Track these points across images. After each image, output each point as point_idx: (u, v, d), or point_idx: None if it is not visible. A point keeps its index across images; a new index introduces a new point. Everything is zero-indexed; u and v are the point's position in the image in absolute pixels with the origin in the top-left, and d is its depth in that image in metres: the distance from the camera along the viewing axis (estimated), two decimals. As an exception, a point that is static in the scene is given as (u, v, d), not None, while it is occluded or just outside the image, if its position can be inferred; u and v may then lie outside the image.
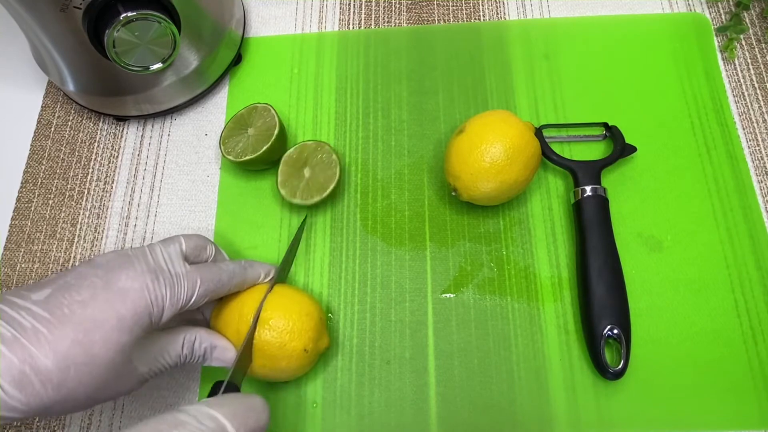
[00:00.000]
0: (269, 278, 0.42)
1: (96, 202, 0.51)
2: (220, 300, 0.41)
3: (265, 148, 0.47)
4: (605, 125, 0.50)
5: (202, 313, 0.43)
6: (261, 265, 0.42)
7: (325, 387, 0.43)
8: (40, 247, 0.49)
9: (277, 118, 0.48)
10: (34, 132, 0.54)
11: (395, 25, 0.57)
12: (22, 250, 0.49)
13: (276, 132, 0.47)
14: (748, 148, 0.50)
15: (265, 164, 0.48)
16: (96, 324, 0.32)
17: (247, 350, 0.38)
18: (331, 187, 0.46)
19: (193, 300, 0.36)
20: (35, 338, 0.30)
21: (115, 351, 0.32)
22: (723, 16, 0.56)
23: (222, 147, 0.48)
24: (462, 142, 0.44)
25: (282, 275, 0.43)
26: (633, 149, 0.48)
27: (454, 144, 0.45)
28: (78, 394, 0.31)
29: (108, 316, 0.32)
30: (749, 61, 0.54)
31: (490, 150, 0.43)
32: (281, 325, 0.38)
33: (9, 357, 0.29)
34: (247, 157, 0.47)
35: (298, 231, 0.46)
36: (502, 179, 0.43)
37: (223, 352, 0.38)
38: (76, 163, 0.52)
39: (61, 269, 0.48)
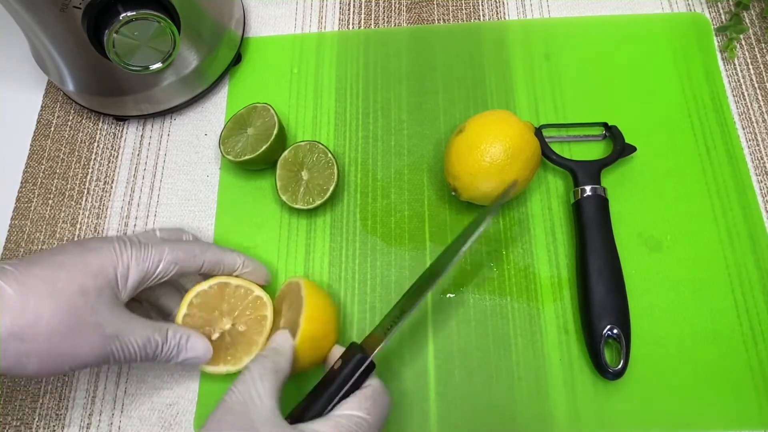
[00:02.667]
0: (247, 269, 0.42)
1: (96, 201, 0.51)
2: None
3: (264, 147, 0.47)
4: (605, 125, 0.50)
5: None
6: (238, 254, 0.42)
7: (324, 387, 0.43)
8: (39, 247, 0.49)
9: (276, 118, 0.48)
10: (34, 132, 0.54)
11: (395, 25, 0.57)
12: (22, 250, 0.49)
13: (275, 132, 0.47)
14: (748, 148, 0.50)
15: (264, 164, 0.48)
16: (62, 266, 0.34)
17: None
18: (331, 188, 0.46)
19: (160, 265, 0.37)
20: (6, 272, 0.32)
21: (77, 292, 0.33)
22: (723, 16, 0.56)
23: (221, 147, 0.48)
24: (462, 142, 0.44)
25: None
26: (633, 149, 0.48)
27: (454, 144, 0.45)
28: (40, 332, 0.32)
29: (74, 262, 0.34)
30: (749, 61, 0.54)
31: (490, 150, 0.43)
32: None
33: None
34: (247, 157, 0.47)
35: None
36: (501, 179, 0.43)
37: (197, 341, 0.38)
38: (75, 163, 0.52)
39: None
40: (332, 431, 0.33)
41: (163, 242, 0.38)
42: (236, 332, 0.40)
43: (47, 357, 0.32)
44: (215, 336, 0.40)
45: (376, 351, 0.37)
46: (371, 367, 0.37)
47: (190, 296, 0.40)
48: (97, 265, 0.34)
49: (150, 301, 0.42)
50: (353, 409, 0.34)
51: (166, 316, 0.42)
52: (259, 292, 0.41)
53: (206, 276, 0.41)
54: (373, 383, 0.36)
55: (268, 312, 0.41)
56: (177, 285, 0.43)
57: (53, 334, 0.32)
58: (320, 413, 0.35)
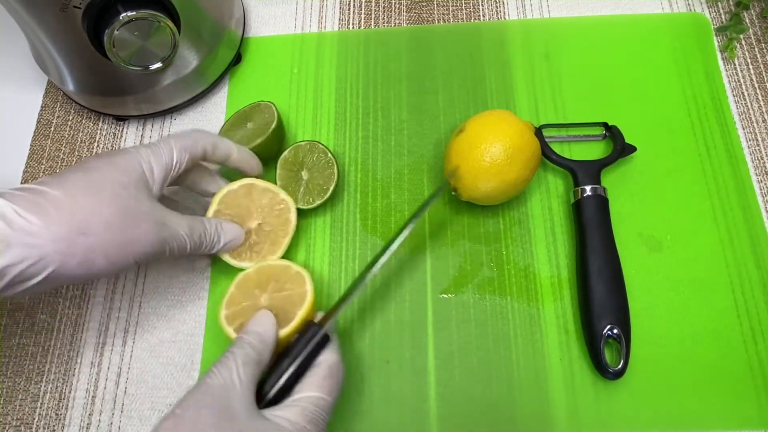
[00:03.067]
0: (241, 156, 0.44)
1: (96, 201, 0.51)
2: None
3: (259, 140, 0.47)
4: (605, 125, 0.50)
5: None
6: (233, 143, 0.44)
7: (324, 387, 0.43)
8: (39, 246, 0.49)
9: (276, 114, 0.48)
10: (34, 132, 0.54)
11: (395, 25, 0.57)
12: (22, 249, 0.49)
13: (273, 126, 0.47)
14: (748, 148, 0.50)
15: (261, 157, 0.48)
16: (94, 170, 0.36)
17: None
18: (331, 187, 0.46)
19: (174, 155, 0.39)
20: (44, 182, 0.34)
21: (118, 185, 0.36)
22: (723, 16, 0.56)
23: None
24: (462, 142, 0.44)
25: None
26: (633, 149, 0.48)
27: (454, 143, 0.45)
28: (99, 223, 0.34)
29: (103, 165, 0.36)
30: (749, 60, 0.54)
31: (490, 149, 0.43)
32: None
33: (21, 195, 0.33)
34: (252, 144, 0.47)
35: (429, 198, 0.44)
36: (501, 179, 0.43)
37: (230, 226, 0.42)
38: (75, 163, 0.52)
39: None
40: (299, 418, 0.34)
41: (168, 137, 0.40)
42: (262, 231, 0.44)
43: (111, 248, 0.35)
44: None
45: (328, 323, 0.38)
46: (326, 339, 0.37)
47: (219, 195, 0.44)
48: (125, 164, 0.37)
49: (190, 187, 0.45)
50: (314, 390, 0.35)
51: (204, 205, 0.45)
52: (284, 195, 0.45)
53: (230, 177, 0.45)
54: (329, 359, 0.37)
55: (292, 216, 0.45)
56: (208, 170, 0.45)
57: (110, 224, 0.34)
58: (281, 389, 0.35)
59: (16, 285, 0.32)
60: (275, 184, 0.47)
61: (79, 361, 0.45)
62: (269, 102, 0.49)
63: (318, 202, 0.46)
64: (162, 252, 0.37)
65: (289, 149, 0.48)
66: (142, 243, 0.36)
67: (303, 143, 0.48)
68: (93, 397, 0.44)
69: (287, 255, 0.47)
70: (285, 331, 0.39)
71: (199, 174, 0.45)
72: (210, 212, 0.43)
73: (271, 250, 0.44)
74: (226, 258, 0.44)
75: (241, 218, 0.44)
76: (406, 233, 0.41)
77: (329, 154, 0.47)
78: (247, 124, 0.49)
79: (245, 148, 0.45)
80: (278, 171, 0.47)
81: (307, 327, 0.38)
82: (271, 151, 0.48)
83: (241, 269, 0.43)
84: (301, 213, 0.49)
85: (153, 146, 0.39)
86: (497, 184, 0.43)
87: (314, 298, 0.41)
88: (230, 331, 0.40)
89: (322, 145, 0.48)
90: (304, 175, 0.47)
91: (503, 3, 0.58)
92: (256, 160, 0.45)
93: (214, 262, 0.48)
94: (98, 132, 0.54)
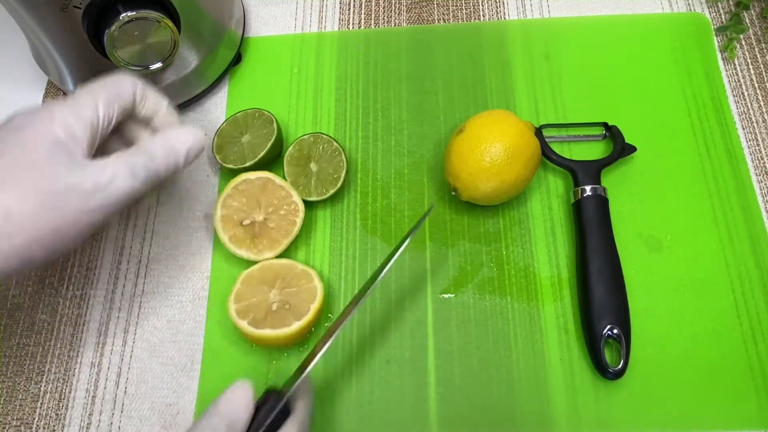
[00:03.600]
0: (169, 118, 0.39)
1: (96, 201, 0.51)
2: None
3: (261, 154, 0.47)
4: (605, 125, 0.50)
5: None
6: (165, 100, 0.39)
7: (324, 387, 0.43)
8: (39, 246, 0.49)
9: (275, 128, 0.48)
10: (34, 132, 0.54)
11: (395, 25, 0.57)
12: (22, 249, 0.49)
13: (274, 136, 0.48)
14: (748, 148, 0.50)
15: (261, 163, 0.48)
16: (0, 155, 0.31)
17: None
18: (342, 174, 0.47)
19: (100, 108, 0.34)
20: None
21: (27, 168, 0.31)
22: (723, 16, 0.56)
23: (216, 155, 0.48)
24: (462, 142, 0.44)
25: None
26: (633, 149, 0.48)
27: (454, 144, 0.45)
28: (12, 226, 0.30)
29: (10, 147, 0.32)
30: (749, 61, 0.54)
31: (490, 149, 0.43)
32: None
33: None
34: (248, 164, 0.47)
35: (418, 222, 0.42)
36: (502, 179, 0.43)
37: (180, 134, 0.36)
38: None
39: (60, 269, 0.48)
40: None
41: (88, 87, 0.34)
42: (265, 226, 0.45)
43: (44, 239, 0.31)
44: (246, 222, 0.44)
45: (292, 389, 0.34)
46: (287, 413, 0.34)
47: (235, 181, 0.45)
48: (34, 139, 0.32)
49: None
50: None
51: None
52: (296, 198, 0.45)
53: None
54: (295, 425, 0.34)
55: (298, 219, 0.45)
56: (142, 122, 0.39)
57: (34, 217, 0.30)
58: None
59: None
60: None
61: (79, 361, 0.45)
62: (267, 112, 0.49)
63: (332, 191, 0.47)
64: (110, 215, 0.33)
65: (293, 145, 0.48)
66: (79, 221, 0.32)
67: (306, 137, 0.48)
68: (93, 397, 0.44)
69: (286, 254, 0.47)
70: (300, 324, 0.41)
71: (134, 128, 0.38)
72: (222, 195, 0.45)
73: (269, 246, 0.45)
74: (224, 240, 0.44)
75: (250, 208, 0.45)
76: (389, 266, 0.38)
77: (335, 143, 0.48)
78: (243, 137, 0.49)
79: (172, 108, 0.39)
80: (286, 168, 0.47)
81: (267, 396, 0.35)
82: (271, 155, 0.48)
83: (239, 257, 0.45)
84: (305, 209, 0.49)
85: (71, 102, 0.33)
86: (497, 184, 0.43)
87: (325, 293, 0.43)
88: (244, 325, 0.41)
89: (326, 135, 0.48)
90: (313, 167, 0.48)
91: (503, 3, 0.58)
92: (196, 133, 0.38)
93: (214, 262, 0.48)
94: (98, 132, 0.54)
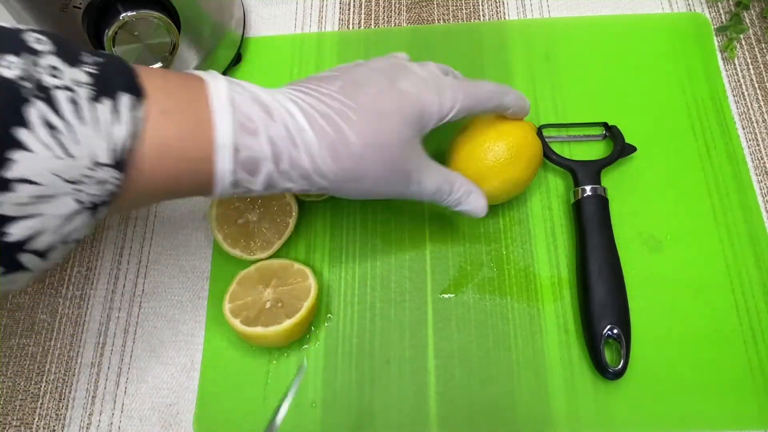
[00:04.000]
0: (513, 109, 0.42)
1: (96, 202, 0.51)
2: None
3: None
4: (605, 125, 0.50)
5: None
6: (514, 92, 0.42)
7: (324, 387, 0.43)
8: (39, 247, 0.49)
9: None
10: (34, 132, 0.54)
11: (395, 25, 0.57)
12: (22, 250, 0.49)
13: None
14: (748, 148, 0.50)
15: None
16: (386, 115, 0.35)
17: None
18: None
19: (453, 111, 0.38)
20: (345, 118, 0.34)
21: (398, 141, 0.35)
22: (723, 16, 0.56)
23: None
24: (465, 140, 0.44)
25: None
26: (633, 149, 0.48)
27: (457, 142, 0.45)
28: (370, 173, 0.35)
29: (394, 111, 0.35)
30: (749, 61, 0.54)
31: (494, 148, 0.43)
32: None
33: (326, 130, 0.33)
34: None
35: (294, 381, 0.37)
36: (504, 178, 0.43)
37: (477, 199, 0.41)
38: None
39: (60, 269, 0.48)
40: None
41: (458, 86, 0.38)
42: (259, 227, 0.45)
43: (368, 189, 0.36)
44: (241, 221, 0.45)
45: None
46: None
47: None
48: (412, 115, 0.36)
49: None
50: None
51: None
52: (289, 198, 0.46)
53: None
54: None
55: (291, 220, 0.46)
56: None
57: (379, 176, 0.35)
58: None
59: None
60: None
61: (79, 361, 0.45)
62: None
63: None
64: (400, 198, 0.38)
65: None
66: (388, 194, 0.37)
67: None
68: (93, 397, 0.44)
69: (285, 254, 0.47)
70: (292, 321, 0.41)
71: None
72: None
73: (263, 246, 0.45)
74: (219, 239, 0.45)
75: (245, 207, 0.46)
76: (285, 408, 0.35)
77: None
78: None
79: (520, 93, 0.43)
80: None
81: None
82: None
83: (235, 257, 0.45)
84: (302, 211, 0.49)
85: (440, 87, 0.37)
86: (500, 184, 0.43)
87: (318, 291, 0.43)
88: (236, 323, 0.41)
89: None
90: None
91: (503, 3, 0.58)
92: (526, 101, 0.44)
93: (214, 262, 0.48)
94: (98, 132, 0.54)
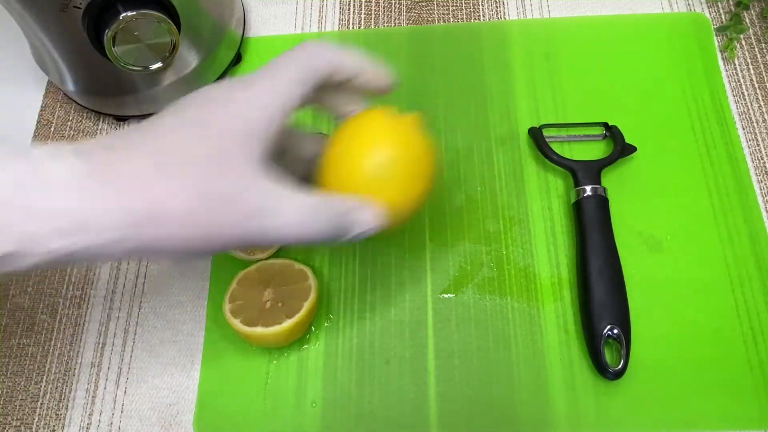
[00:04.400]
0: (371, 71, 0.34)
1: (96, 201, 0.51)
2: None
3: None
4: (605, 125, 0.50)
5: None
6: (361, 57, 0.34)
7: (324, 386, 0.43)
8: (39, 246, 0.49)
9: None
10: (34, 132, 0.54)
11: (395, 25, 0.57)
12: (22, 249, 0.49)
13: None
14: (748, 148, 0.50)
15: None
16: (190, 123, 0.28)
17: None
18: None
19: (295, 95, 0.30)
20: (126, 136, 0.28)
21: (209, 152, 0.27)
22: (723, 16, 0.56)
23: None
24: (332, 152, 0.34)
25: None
26: (633, 149, 0.48)
27: (324, 159, 0.34)
28: (166, 212, 0.26)
29: (195, 130, 0.28)
30: (749, 60, 0.54)
31: (365, 164, 0.33)
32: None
33: (97, 155, 0.26)
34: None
35: None
36: (386, 195, 0.33)
37: (364, 215, 0.32)
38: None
39: (60, 269, 0.48)
40: None
41: (281, 63, 0.31)
42: None
43: (190, 238, 0.27)
44: None
45: None
46: None
47: None
48: (208, 132, 0.27)
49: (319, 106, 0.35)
50: None
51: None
52: None
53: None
54: None
55: None
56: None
57: (190, 212, 0.26)
58: None
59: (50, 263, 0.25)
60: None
61: (79, 361, 0.45)
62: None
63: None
64: (257, 244, 0.31)
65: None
66: (228, 235, 0.27)
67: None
68: (93, 397, 0.44)
69: (284, 254, 0.47)
70: (292, 321, 0.40)
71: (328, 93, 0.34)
72: None
73: (261, 248, 0.45)
74: None
75: None
76: None
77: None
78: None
79: (372, 63, 0.34)
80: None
81: None
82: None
83: (235, 257, 0.45)
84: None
85: (265, 82, 0.30)
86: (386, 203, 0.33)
87: (318, 291, 0.43)
88: (237, 323, 0.41)
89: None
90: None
91: (503, 3, 0.58)
92: (386, 74, 0.34)
93: (214, 263, 0.48)
94: (98, 132, 0.54)
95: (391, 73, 0.35)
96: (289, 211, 0.28)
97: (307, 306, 0.41)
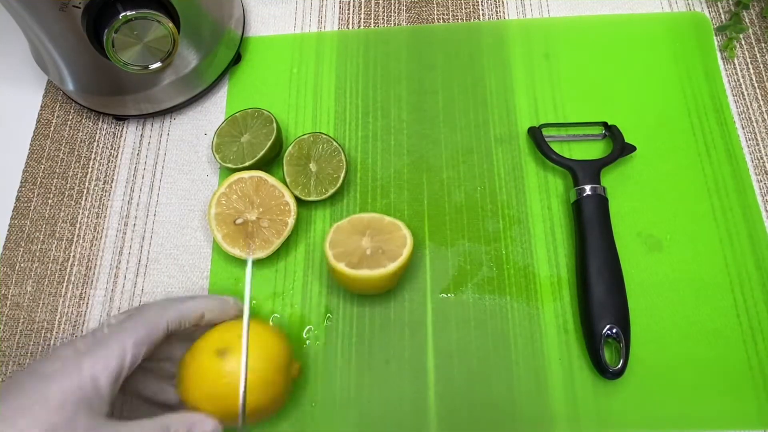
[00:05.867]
0: (212, 314, 0.39)
1: (95, 201, 0.51)
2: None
3: (259, 155, 0.47)
4: (605, 124, 0.50)
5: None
6: (204, 299, 0.39)
7: (323, 386, 0.43)
8: (39, 246, 0.49)
9: (275, 127, 0.48)
10: (34, 131, 0.54)
11: (395, 25, 0.57)
12: (22, 249, 0.49)
13: (271, 140, 0.48)
14: (748, 147, 0.50)
15: (262, 162, 0.48)
16: (22, 411, 0.30)
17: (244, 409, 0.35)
18: (342, 175, 0.47)
19: (128, 356, 0.33)
20: None
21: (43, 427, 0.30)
22: (723, 16, 0.56)
23: (216, 155, 0.48)
24: (187, 361, 0.37)
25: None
26: (632, 148, 0.48)
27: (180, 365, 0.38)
28: None
29: (31, 401, 0.31)
30: (749, 60, 0.54)
31: (216, 368, 0.36)
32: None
33: None
34: (247, 163, 0.47)
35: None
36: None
37: (203, 426, 0.35)
38: (75, 163, 0.52)
39: (60, 269, 0.48)
40: None
41: (119, 327, 0.34)
42: (258, 226, 0.45)
43: None
44: (239, 221, 0.45)
45: None
46: None
47: (229, 180, 0.46)
48: (59, 397, 0.31)
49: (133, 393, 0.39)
50: None
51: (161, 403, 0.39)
52: (289, 198, 0.46)
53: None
54: None
55: (291, 219, 0.45)
56: (153, 373, 0.39)
57: None
58: None
59: None
60: (284, 182, 0.47)
61: (78, 360, 0.45)
62: (267, 111, 0.49)
63: (332, 191, 0.47)
64: None
65: (292, 144, 0.48)
66: None
67: (306, 136, 0.48)
68: (92, 396, 0.44)
69: (283, 253, 0.47)
70: (396, 265, 0.41)
71: (144, 378, 0.38)
72: (215, 195, 0.45)
73: (261, 246, 0.45)
74: (218, 238, 0.45)
75: (243, 207, 0.45)
76: None
77: (334, 143, 0.48)
78: (242, 137, 0.49)
79: (215, 298, 0.40)
80: (285, 168, 0.47)
81: None
82: (271, 155, 0.49)
83: (234, 256, 0.45)
84: (305, 209, 0.49)
85: (99, 349, 0.33)
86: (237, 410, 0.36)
87: (413, 241, 0.43)
88: (342, 267, 0.41)
89: (325, 134, 0.48)
90: (313, 167, 0.48)
91: (503, 3, 0.57)
92: (231, 304, 0.40)
93: (213, 262, 0.48)
94: (98, 131, 0.54)
95: (235, 302, 0.40)
96: None
97: (407, 252, 0.42)
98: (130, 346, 0.34)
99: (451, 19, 0.57)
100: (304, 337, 0.45)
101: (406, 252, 0.42)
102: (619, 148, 0.48)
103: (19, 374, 0.32)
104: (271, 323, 0.45)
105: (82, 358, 0.32)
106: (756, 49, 0.54)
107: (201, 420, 0.35)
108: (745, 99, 0.52)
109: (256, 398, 0.36)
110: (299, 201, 0.47)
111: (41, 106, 0.55)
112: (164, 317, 0.36)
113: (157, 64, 0.45)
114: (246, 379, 0.35)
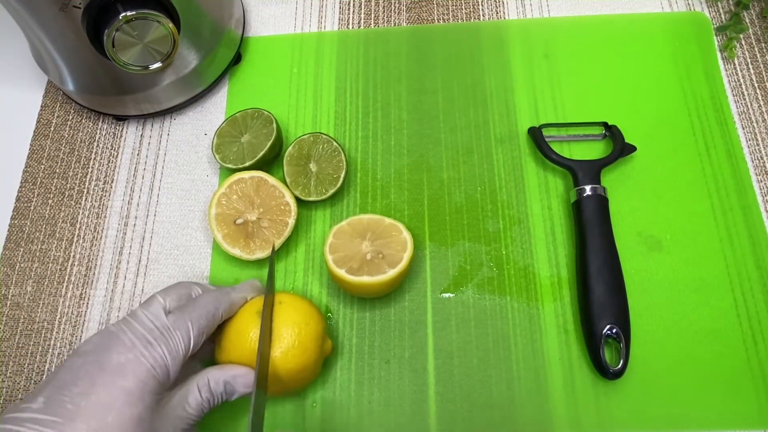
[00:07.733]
0: (255, 295, 0.41)
1: (95, 201, 0.51)
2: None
3: (259, 155, 0.47)
4: (605, 125, 0.50)
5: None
6: (244, 285, 0.42)
7: (324, 386, 0.43)
8: (39, 246, 0.49)
9: (275, 127, 0.48)
10: (34, 132, 0.54)
11: (395, 25, 0.57)
12: (22, 249, 0.49)
13: (271, 141, 0.48)
14: (748, 147, 0.50)
15: (262, 162, 0.48)
16: (105, 407, 0.31)
17: (263, 375, 0.37)
18: (342, 175, 0.47)
19: (192, 344, 0.36)
20: (54, 410, 0.30)
21: (132, 425, 0.32)
22: (723, 16, 0.56)
23: (216, 155, 0.48)
24: (228, 330, 0.40)
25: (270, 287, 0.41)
26: (632, 149, 0.48)
27: (222, 334, 0.40)
28: None
29: (113, 396, 0.32)
30: (749, 60, 0.54)
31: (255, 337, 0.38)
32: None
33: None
34: (247, 164, 0.47)
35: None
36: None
37: (244, 378, 0.37)
38: (75, 163, 0.52)
39: (60, 269, 0.48)
40: None
41: (181, 316, 0.36)
42: (258, 226, 0.45)
43: None
44: (239, 221, 0.45)
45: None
46: None
47: (230, 180, 0.46)
48: (138, 388, 0.33)
49: None
50: None
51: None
52: (289, 199, 0.46)
53: None
54: None
55: (291, 219, 0.45)
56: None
57: None
58: None
59: None
60: (285, 182, 0.47)
61: (78, 360, 0.45)
62: (267, 111, 0.49)
63: (332, 191, 0.47)
64: None
65: (292, 144, 0.48)
66: None
67: (306, 136, 0.48)
68: (93, 396, 0.44)
69: (286, 254, 0.47)
70: (395, 271, 0.41)
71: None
72: (216, 195, 0.45)
73: (262, 246, 0.45)
74: (218, 238, 0.45)
75: (244, 207, 0.45)
76: None
77: (334, 143, 0.48)
78: (242, 137, 0.49)
79: (253, 283, 0.42)
80: (285, 168, 0.47)
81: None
82: (271, 155, 0.49)
83: (234, 257, 0.45)
84: (305, 209, 0.49)
85: (168, 338, 0.35)
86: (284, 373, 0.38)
87: (414, 244, 0.43)
88: (342, 273, 0.41)
89: (325, 135, 0.48)
90: (313, 167, 0.48)
91: (503, 3, 0.57)
92: (259, 285, 0.43)
93: (213, 262, 0.48)
94: (98, 131, 0.54)
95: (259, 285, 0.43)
96: (187, 411, 0.36)
97: (407, 257, 0.42)
98: (195, 336, 0.36)
99: (451, 19, 0.57)
100: (305, 337, 0.45)
101: (406, 257, 0.42)
102: (619, 148, 0.48)
103: (78, 368, 0.33)
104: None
105: (152, 347, 0.34)
106: (756, 49, 0.54)
107: (243, 373, 0.37)
108: (745, 99, 0.52)
109: (290, 360, 0.38)
110: (299, 201, 0.47)
111: (41, 106, 0.55)
112: (219, 308, 0.38)
113: (158, 65, 0.45)
114: (264, 345, 0.37)
